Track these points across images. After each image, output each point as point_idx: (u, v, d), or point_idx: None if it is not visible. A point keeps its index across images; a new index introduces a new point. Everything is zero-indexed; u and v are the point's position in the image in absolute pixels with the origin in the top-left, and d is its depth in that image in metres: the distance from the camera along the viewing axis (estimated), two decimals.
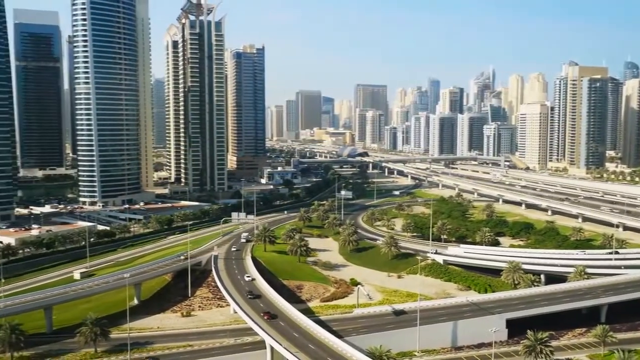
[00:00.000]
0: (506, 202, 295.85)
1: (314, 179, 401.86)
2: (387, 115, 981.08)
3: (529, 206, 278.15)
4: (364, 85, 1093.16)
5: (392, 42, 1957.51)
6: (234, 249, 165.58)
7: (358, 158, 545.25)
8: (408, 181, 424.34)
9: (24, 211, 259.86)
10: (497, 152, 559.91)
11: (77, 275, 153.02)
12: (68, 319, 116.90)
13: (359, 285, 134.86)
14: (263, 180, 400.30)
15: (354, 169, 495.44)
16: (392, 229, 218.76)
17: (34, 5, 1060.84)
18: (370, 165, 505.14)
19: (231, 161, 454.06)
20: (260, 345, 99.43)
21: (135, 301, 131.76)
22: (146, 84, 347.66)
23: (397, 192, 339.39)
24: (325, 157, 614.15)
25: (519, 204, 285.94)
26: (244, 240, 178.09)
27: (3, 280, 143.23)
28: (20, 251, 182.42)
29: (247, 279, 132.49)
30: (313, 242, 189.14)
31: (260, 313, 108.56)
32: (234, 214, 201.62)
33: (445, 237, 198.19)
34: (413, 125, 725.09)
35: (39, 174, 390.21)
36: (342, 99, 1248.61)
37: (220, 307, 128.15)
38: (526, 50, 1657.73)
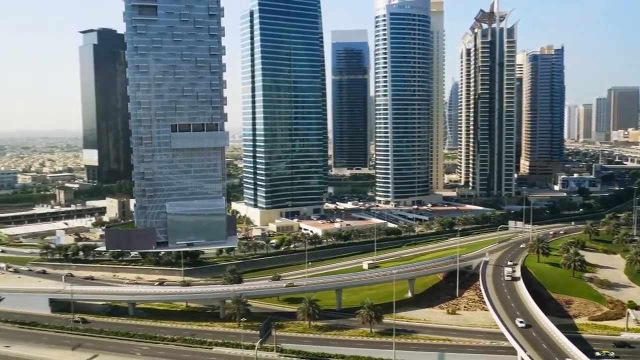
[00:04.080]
0: None
1: (616, 188, 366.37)
2: None
3: None
4: None
5: None
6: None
7: None
8: None
9: (332, 206, 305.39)
10: None
11: (365, 265, 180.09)
12: (353, 301, 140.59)
13: (628, 309, 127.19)
14: (556, 187, 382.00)
15: None
16: None
17: (349, 26, 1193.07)
18: None
19: (524, 166, 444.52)
20: (513, 350, 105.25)
21: (409, 294, 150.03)
22: (439, 91, 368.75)
23: None
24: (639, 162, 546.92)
25: None
26: (509, 278, 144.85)
27: (310, 263, 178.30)
28: (325, 240, 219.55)
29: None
30: (596, 258, 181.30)
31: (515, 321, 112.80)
32: (511, 222, 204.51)
33: None
34: None
35: (347, 173, 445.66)
36: None
37: (485, 310, 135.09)
38: None
